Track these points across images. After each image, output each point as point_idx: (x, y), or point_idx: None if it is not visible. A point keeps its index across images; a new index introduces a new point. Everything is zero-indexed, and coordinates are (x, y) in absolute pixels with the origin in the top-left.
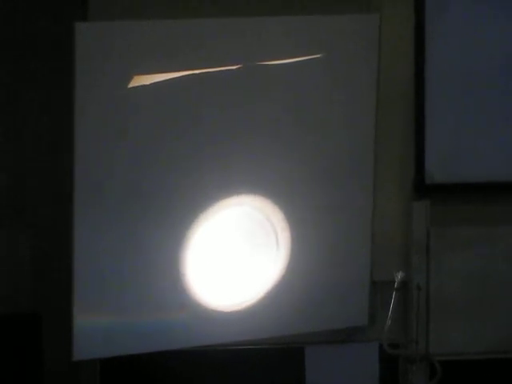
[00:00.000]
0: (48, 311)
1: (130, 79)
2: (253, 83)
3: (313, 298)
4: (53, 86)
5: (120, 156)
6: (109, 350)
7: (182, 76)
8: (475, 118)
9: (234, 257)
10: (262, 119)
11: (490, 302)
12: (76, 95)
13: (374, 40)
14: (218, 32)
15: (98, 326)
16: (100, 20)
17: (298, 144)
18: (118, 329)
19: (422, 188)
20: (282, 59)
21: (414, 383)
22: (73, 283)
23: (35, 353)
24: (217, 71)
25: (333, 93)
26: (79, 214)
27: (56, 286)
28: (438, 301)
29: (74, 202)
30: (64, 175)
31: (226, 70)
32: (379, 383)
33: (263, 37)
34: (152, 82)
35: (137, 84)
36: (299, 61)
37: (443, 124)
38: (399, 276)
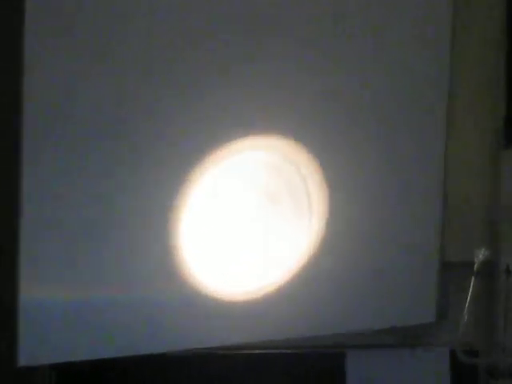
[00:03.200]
0: None
1: None
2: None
3: (358, 287)
4: None
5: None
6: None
7: None
8: None
9: (246, 225)
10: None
11: None
12: None
13: None
14: None
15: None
16: None
17: (348, 65)
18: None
19: None
20: None
21: None
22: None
23: None
24: None
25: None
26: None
27: None
28: None
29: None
30: None
31: None
32: None
33: None
34: None
35: None
36: None
37: None
38: (481, 255)
